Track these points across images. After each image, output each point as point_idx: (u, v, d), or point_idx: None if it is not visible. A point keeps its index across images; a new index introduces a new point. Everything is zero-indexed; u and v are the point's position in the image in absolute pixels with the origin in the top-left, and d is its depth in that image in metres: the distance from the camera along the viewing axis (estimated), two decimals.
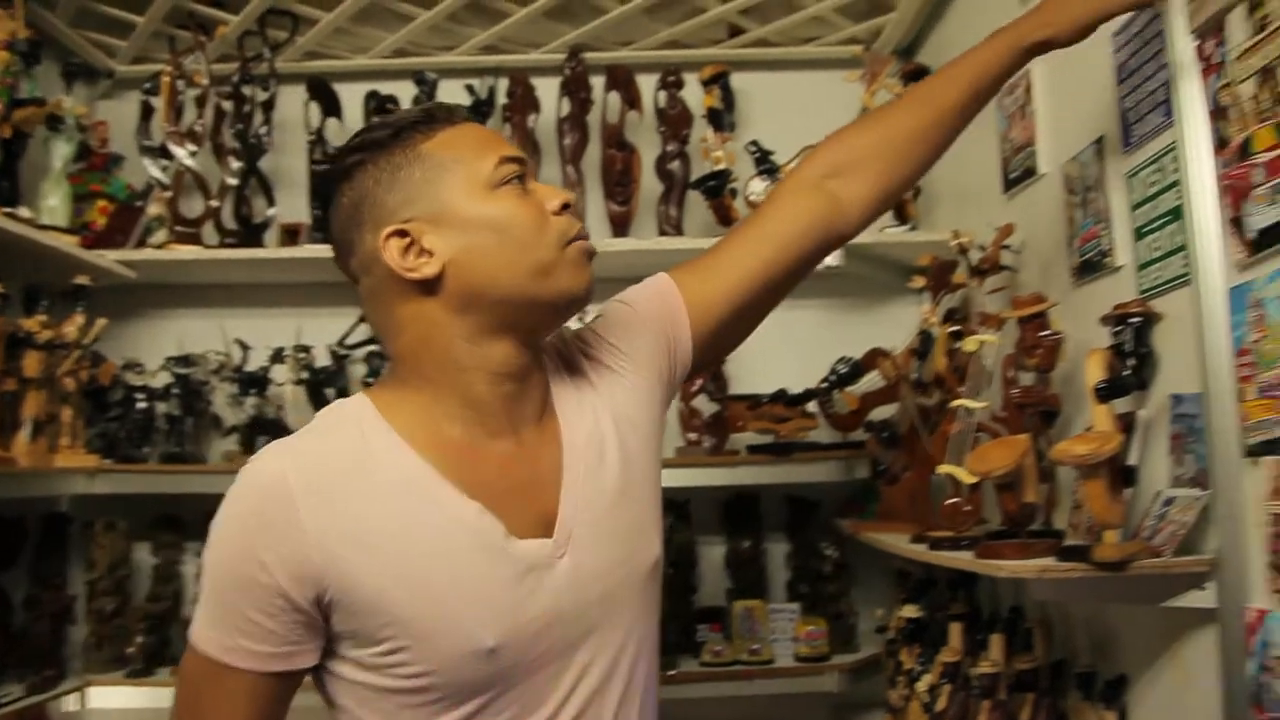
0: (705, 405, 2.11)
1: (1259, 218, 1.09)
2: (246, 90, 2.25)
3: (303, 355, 2.18)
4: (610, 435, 0.97)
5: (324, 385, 2.17)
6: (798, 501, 2.23)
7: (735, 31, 2.33)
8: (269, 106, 2.27)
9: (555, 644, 0.90)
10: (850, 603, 2.18)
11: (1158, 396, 1.31)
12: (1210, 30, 1.16)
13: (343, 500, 0.85)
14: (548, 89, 2.24)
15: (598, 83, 2.23)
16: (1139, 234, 1.36)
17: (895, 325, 2.08)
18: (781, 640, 2.12)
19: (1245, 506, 1.13)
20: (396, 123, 0.93)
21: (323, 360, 2.20)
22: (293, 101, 2.29)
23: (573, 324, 1.03)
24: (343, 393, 2.19)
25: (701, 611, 2.17)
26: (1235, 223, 1.13)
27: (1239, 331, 1.13)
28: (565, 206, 0.93)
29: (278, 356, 2.19)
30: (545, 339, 0.98)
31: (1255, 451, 1.11)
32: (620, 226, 2.18)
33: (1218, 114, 1.16)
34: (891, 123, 1.14)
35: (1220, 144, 1.16)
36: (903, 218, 2.11)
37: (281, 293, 2.30)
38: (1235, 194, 1.13)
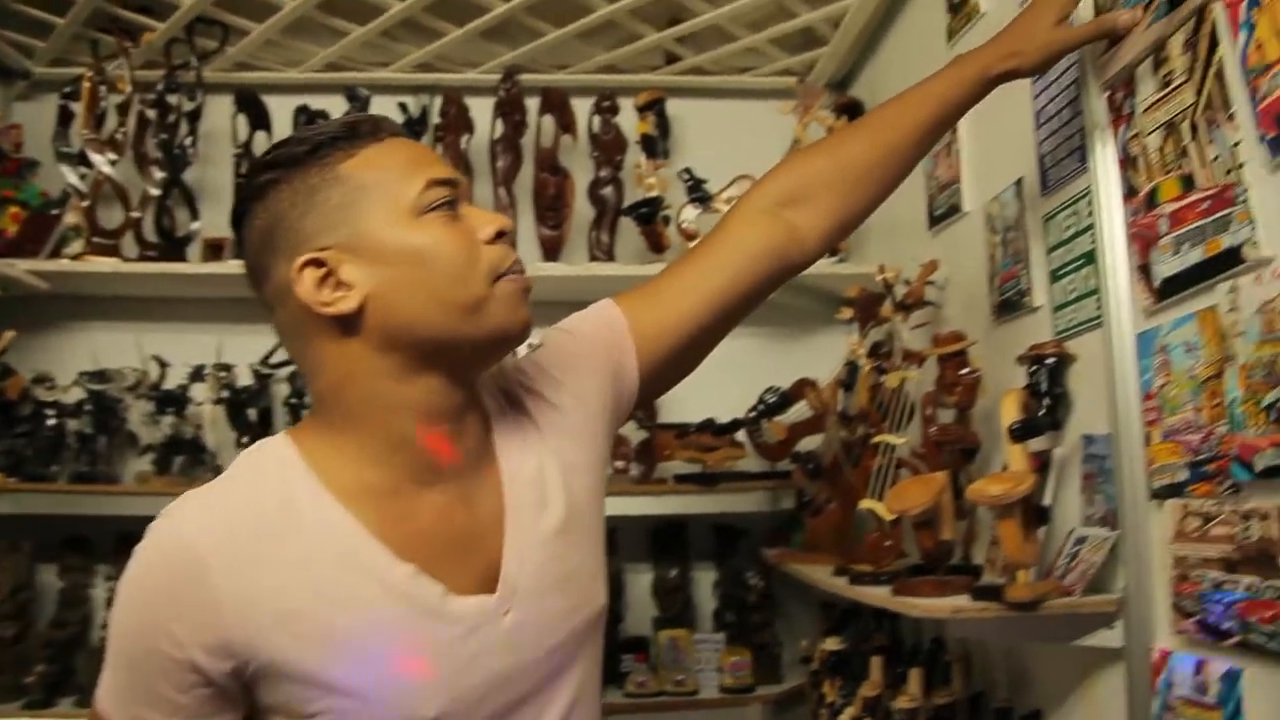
0: (633, 433, 2.11)
1: (1164, 266, 1.12)
2: (172, 99, 2.20)
3: (223, 374, 2.12)
4: (554, 477, 0.91)
5: (245, 405, 2.12)
6: (725, 530, 2.23)
7: (671, 59, 2.35)
8: (195, 117, 2.22)
9: (500, 707, 0.84)
10: (775, 633, 2.19)
11: (1071, 436, 1.33)
12: (1121, 82, 1.19)
13: (265, 565, 0.78)
14: (482, 110, 2.22)
15: (532, 105, 2.22)
16: (1055, 276, 1.39)
17: (825, 355, 2.10)
18: (706, 671, 2.11)
19: (1151, 548, 1.15)
20: (314, 138, 0.84)
21: (245, 379, 2.14)
22: (220, 112, 2.25)
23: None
24: (265, 414, 2.14)
25: (626, 641, 2.16)
26: (1143, 270, 1.16)
27: (1146, 376, 1.16)
28: (500, 234, 0.86)
29: (197, 374, 2.13)
30: (481, 375, 0.91)
31: (1160, 494, 1.13)
32: (551, 251, 2.17)
33: (1128, 163, 1.19)
34: (850, 150, 1.10)
35: (1130, 192, 1.19)
36: (833, 249, 2.13)
37: (203, 308, 2.22)
38: (1143, 242, 1.16)
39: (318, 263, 0.82)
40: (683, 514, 2.17)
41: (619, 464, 2.09)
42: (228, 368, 2.12)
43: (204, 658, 0.77)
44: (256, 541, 0.79)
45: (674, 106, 2.26)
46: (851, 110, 2.21)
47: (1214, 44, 1.03)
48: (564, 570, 0.90)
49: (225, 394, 2.11)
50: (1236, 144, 1.00)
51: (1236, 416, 1.00)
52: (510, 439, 0.91)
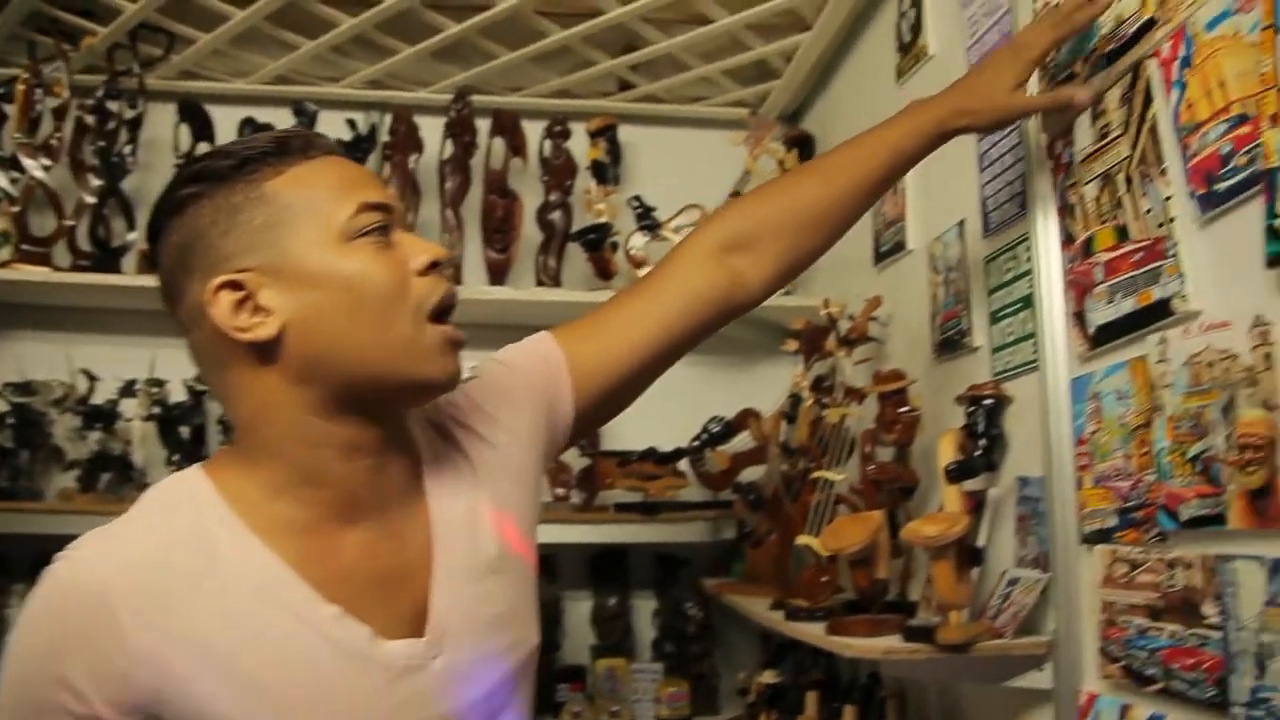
0: (575, 460, 2.10)
1: (1098, 314, 1.14)
2: (113, 105, 2.15)
3: (156, 389, 2.06)
4: (485, 514, 0.89)
5: (178, 423, 2.06)
6: (666, 559, 2.22)
7: (625, 86, 2.35)
8: (136, 124, 2.17)
9: None
10: (714, 664, 2.18)
11: (1007, 477, 1.35)
12: (1061, 132, 1.22)
13: (177, 608, 0.74)
14: (432, 129, 2.20)
15: (483, 126, 2.21)
16: (995, 317, 1.41)
17: (769, 386, 2.10)
18: (643, 701, 2.09)
19: (1080, 592, 1.17)
20: (241, 152, 0.80)
21: (178, 395, 2.09)
22: (162, 121, 2.20)
23: None
24: (198, 432, 2.09)
25: (563, 670, 2.13)
26: (1079, 316, 1.18)
27: (1079, 421, 1.18)
28: (434, 265, 0.83)
29: (128, 389, 2.06)
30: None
31: (1090, 539, 1.15)
32: (498, 274, 2.15)
33: (1066, 211, 1.21)
34: (800, 195, 1.09)
35: (1068, 239, 1.21)
36: None
37: (137, 320, 2.14)
38: (1079, 289, 1.18)
39: (235, 285, 0.78)
40: (623, 542, 2.16)
41: (560, 491, 2.07)
42: (160, 383, 2.07)
43: (107, 711, 0.73)
44: (168, 583, 0.75)
45: (626, 133, 2.27)
46: (802, 143, 2.23)
47: (1149, 100, 1.05)
48: (496, 611, 0.88)
49: (157, 410, 2.05)
50: (1168, 198, 1.02)
51: (1164, 466, 1.02)
52: (440, 474, 0.89)
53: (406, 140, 2.17)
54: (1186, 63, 0.99)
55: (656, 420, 2.06)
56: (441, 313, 0.83)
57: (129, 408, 2.07)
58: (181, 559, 0.76)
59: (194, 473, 0.82)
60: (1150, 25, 1.05)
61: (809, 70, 2.20)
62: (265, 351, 0.79)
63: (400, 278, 0.81)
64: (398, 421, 0.86)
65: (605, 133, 2.18)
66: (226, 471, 0.81)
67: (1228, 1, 0.93)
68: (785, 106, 2.36)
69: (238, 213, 0.79)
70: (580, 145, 2.22)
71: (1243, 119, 0.91)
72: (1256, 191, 0.89)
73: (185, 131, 2.17)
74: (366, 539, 0.82)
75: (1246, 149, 0.90)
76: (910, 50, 1.74)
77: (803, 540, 1.43)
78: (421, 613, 0.83)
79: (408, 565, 0.84)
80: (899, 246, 1.76)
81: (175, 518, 0.78)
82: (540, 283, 2.14)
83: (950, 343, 1.53)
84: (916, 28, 1.71)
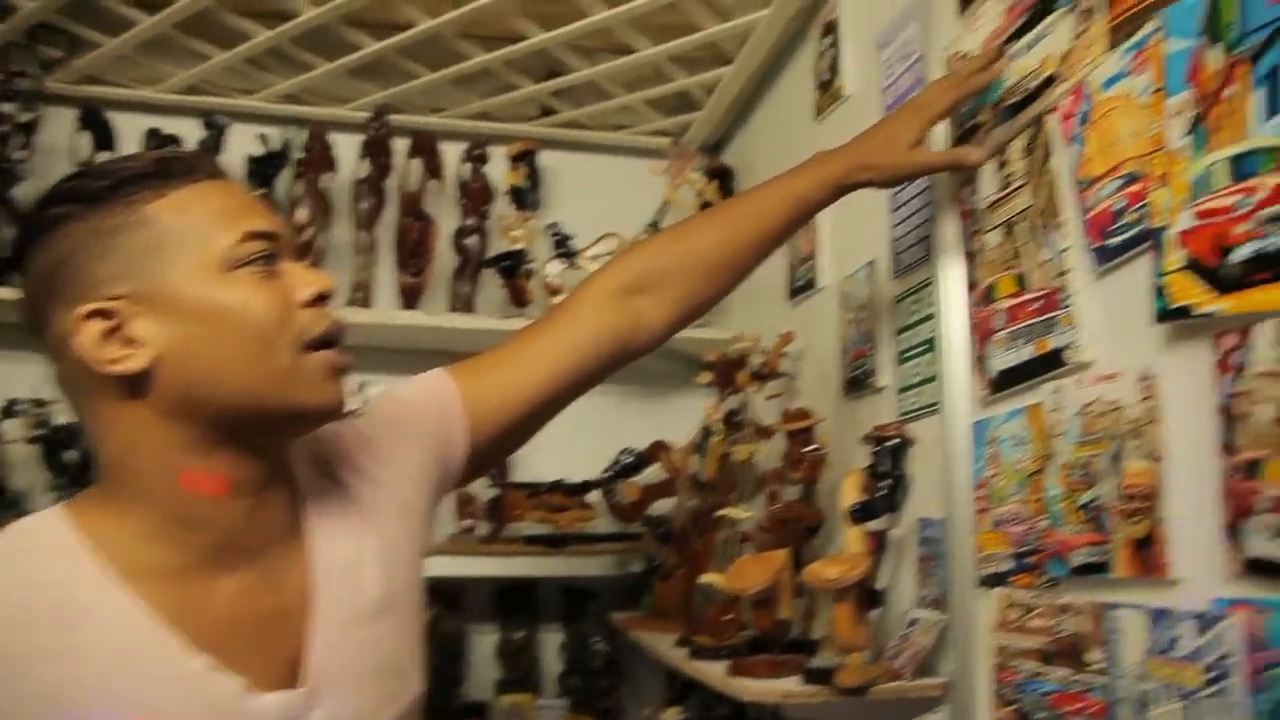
0: (482, 491, 2.06)
1: (998, 360, 1.16)
2: (7, 107, 2.05)
3: (40, 410, 1.96)
4: (371, 556, 0.86)
5: (63, 446, 1.95)
6: (574, 592, 2.19)
7: (547, 111, 2.34)
8: (31, 129, 2.07)
9: None
10: (620, 699, 2.16)
11: (910, 517, 1.36)
12: (968, 178, 1.24)
13: (33, 661, 0.70)
14: (348, 147, 2.16)
15: (401, 147, 2.17)
16: (901, 358, 1.43)
17: (682, 417, 2.08)
18: None
19: (976, 634, 1.18)
20: (119, 172, 0.77)
21: (64, 417, 1.99)
22: (61, 127, 2.11)
23: None
24: (84, 457, 1.99)
25: (466, 706, 2.09)
26: (980, 361, 1.20)
27: (978, 465, 1.19)
28: (320, 298, 0.80)
29: (9, 410, 1.96)
30: (292, 444, 0.85)
31: (987, 582, 1.17)
32: (411, 298, 2.11)
33: (970, 256, 1.24)
34: (701, 242, 1.11)
35: (972, 284, 1.23)
36: None
37: (20, 336, 2.05)
38: (982, 334, 1.20)
39: (104, 314, 0.75)
40: (531, 575, 2.12)
41: (467, 522, 2.03)
42: (44, 403, 1.96)
43: None
44: (21, 635, 0.70)
45: (546, 158, 2.26)
46: (722, 175, 2.25)
47: (1049, 153, 1.08)
48: (378, 658, 0.85)
49: (40, 432, 1.95)
50: (1065, 250, 1.05)
51: (1056, 512, 1.03)
52: (323, 514, 0.85)
53: (320, 158, 2.12)
54: (1085, 119, 1.01)
55: (567, 451, 2.05)
56: (324, 343, 0.81)
57: (9, 429, 1.96)
58: (34, 610, 0.71)
59: (53, 514, 0.77)
60: (1051, 81, 1.08)
61: (730, 103, 2.22)
62: (135, 385, 0.75)
63: (282, 310, 0.78)
64: (278, 457, 0.82)
65: (525, 158, 2.17)
66: (90, 514, 0.77)
67: (1122, 63, 0.96)
68: (706, 138, 2.37)
69: (113, 236, 0.76)
70: (499, 169, 2.20)
71: (1133, 177, 0.94)
72: (1147, 248, 0.92)
73: (86, 139, 2.09)
74: (243, 584, 0.79)
75: (1137, 206, 0.93)
76: (829, 89, 1.76)
77: (706, 579, 1.42)
78: (300, 661, 0.80)
79: (286, 611, 0.81)
80: (811, 283, 1.77)
81: (28, 564, 0.74)
82: (454, 308, 2.10)
83: (858, 381, 1.55)
84: (834, 68, 1.73)
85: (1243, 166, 0.80)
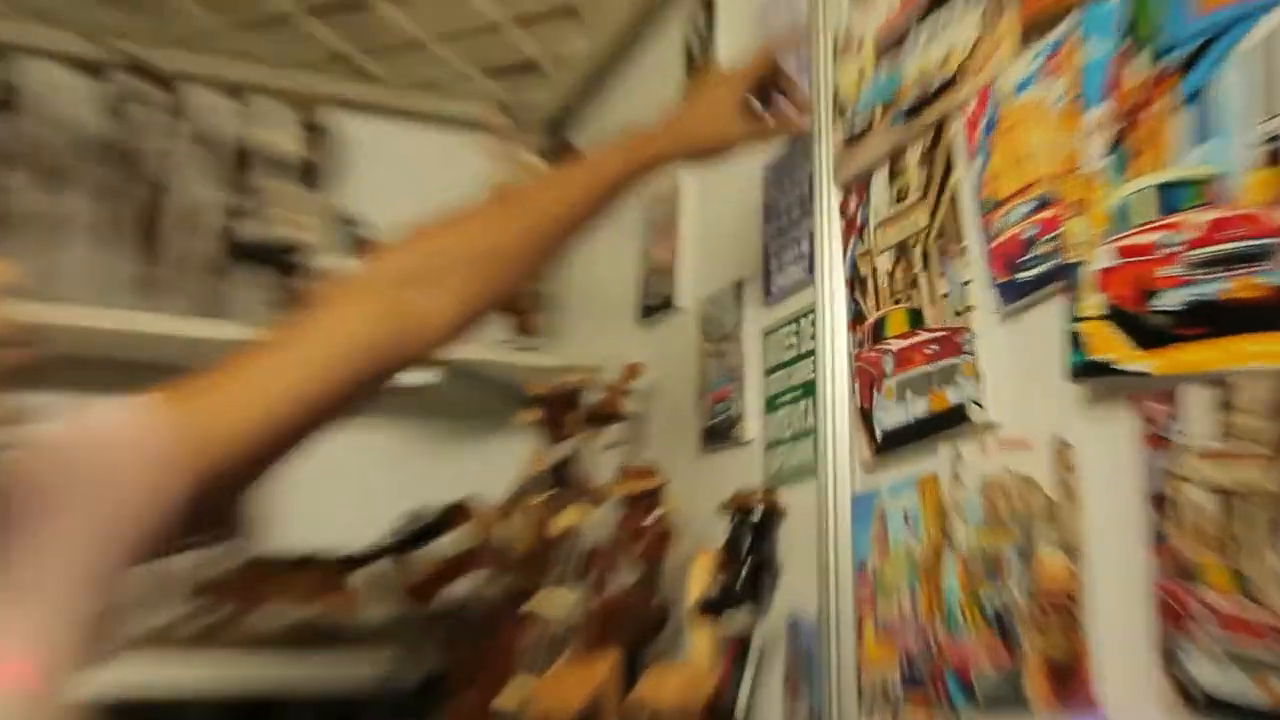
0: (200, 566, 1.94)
1: (886, 414, 1.16)
2: None
3: None
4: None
5: None
6: (330, 711, 2.04)
7: (340, 60, 2.26)
8: None
9: None
10: None
11: (779, 611, 1.33)
12: (857, 185, 1.24)
13: None
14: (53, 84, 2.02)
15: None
16: (771, 405, 1.42)
17: (498, 468, 2.02)
18: None
19: None
20: None
21: None
22: None
23: None
24: None
25: None
26: (865, 414, 1.20)
27: (863, 549, 1.18)
28: None
29: None
30: None
31: (872, 705, 1.14)
32: (146, 295, 1.99)
33: (856, 283, 1.24)
34: (491, 229, 1.13)
35: (857, 318, 1.23)
36: (525, 330, 2.12)
37: None
38: (867, 380, 1.20)
39: None
40: (271, 689, 1.97)
41: (174, 610, 1.88)
42: None
43: None
44: None
45: (339, 122, 2.23)
46: (565, 157, 2.22)
47: (950, 165, 1.09)
48: None
49: None
50: (967, 283, 1.06)
51: (954, 615, 1.03)
52: None
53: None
54: (991, 127, 1.03)
55: (333, 509, 1.93)
56: None
57: None
58: None
59: None
60: (954, 81, 1.09)
61: (581, 73, 2.21)
62: None
63: None
64: None
65: (310, 120, 2.10)
66: None
67: (1035, 64, 0.97)
68: (549, 112, 2.37)
69: None
70: (278, 132, 2.12)
71: (1045, 201, 0.95)
72: (1062, 286, 0.93)
73: None
74: None
75: (1050, 236, 0.94)
76: (697, 62, 1.76)
77: (505, 700, 1.35)
78: None
79: None
80: (668, 302, 1.76)
81: None
82: (199, 311, 1.99)
83: (719, 431, 1.53)
84: (706, 39, 1.73)
85: (1169, 198, 0.81)
